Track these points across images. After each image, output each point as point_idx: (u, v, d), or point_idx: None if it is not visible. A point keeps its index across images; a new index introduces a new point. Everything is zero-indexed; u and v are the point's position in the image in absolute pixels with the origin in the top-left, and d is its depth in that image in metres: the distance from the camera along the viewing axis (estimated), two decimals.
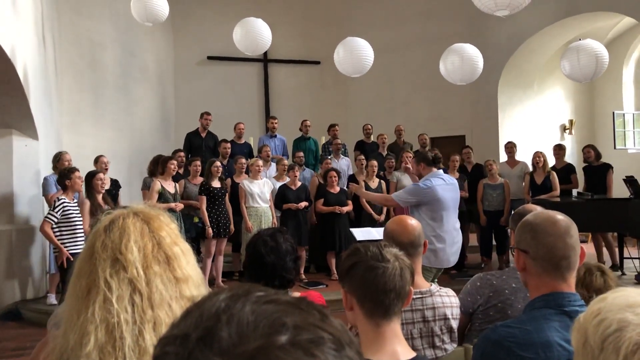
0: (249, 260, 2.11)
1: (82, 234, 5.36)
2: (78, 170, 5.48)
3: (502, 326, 1.49)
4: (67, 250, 5.19)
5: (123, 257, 1.02)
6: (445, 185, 4.30)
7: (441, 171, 4.58)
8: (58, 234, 5.25)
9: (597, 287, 2.41)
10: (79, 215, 5.41)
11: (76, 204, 5.45)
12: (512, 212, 7.30)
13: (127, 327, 0.96)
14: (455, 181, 4.53)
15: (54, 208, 5.23)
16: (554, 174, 7.35)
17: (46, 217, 5.26)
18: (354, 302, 1.50)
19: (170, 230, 1.09)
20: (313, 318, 0.50)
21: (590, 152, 7.57)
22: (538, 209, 2.33)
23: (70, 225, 5.29)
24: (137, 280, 1.00)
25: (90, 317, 0.97)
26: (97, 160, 6.80)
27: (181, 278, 1.05)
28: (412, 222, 2.25)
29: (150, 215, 1.10)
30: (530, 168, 7.61)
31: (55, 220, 5.21)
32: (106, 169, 6.68)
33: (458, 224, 4.44)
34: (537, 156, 7.39)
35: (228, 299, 0.52)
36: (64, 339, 1.01)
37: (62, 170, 5.53)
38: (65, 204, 5.26)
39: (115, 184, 6.87)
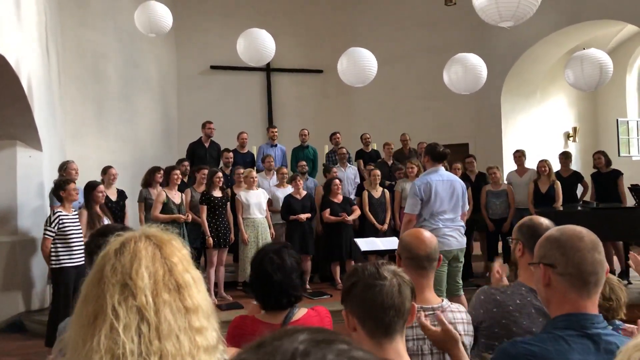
0: (256, 277, 2.12)
1: (80, 247, 5.19)
2: (74, 182, 5.40)
3: (521, 342, 1.48)
4: (63, 264, 5.10)
5: (133, 283, 0.99)
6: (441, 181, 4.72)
7: (442, 167, 4.88)
8: (52, 247, 5.14)
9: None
10: (78, 227, 5.28)
11: (75, 216, 5.33)
12: (515, 220, 7.22)
13: (132, 359, 0.94)
14: (454, 178, 4.92)
15: (50, 223, 5.12)
16: (559, 183, 7.26)
17: (44, 234, 5.15)
18: (356, 323, 1.51)
19: (182, 257, 1.06)
20: None
21: (601, 159, 7.45)
22: (545, 221, 2.30)
23: (66, 238, 5.15)
24: (146, 309, 0.97)
25: (96, 346, 0.94)
26: (105, 172, 6.67)
27: (191, 308, 1.01)
28: (428, 234, 2.24)
29: (163, 240, 1.07)
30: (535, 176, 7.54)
31: (53, 234, 5.11)
32: (114, 180, 6.64)
33: (454, 215, 4.84)
34: (543, 165, 7.33)
35: (308, 342, 0.50)
36: None
37: (57, 182, 5.41)
38: (61, 217, 5.15)
39: (121, 195, 6.75)
